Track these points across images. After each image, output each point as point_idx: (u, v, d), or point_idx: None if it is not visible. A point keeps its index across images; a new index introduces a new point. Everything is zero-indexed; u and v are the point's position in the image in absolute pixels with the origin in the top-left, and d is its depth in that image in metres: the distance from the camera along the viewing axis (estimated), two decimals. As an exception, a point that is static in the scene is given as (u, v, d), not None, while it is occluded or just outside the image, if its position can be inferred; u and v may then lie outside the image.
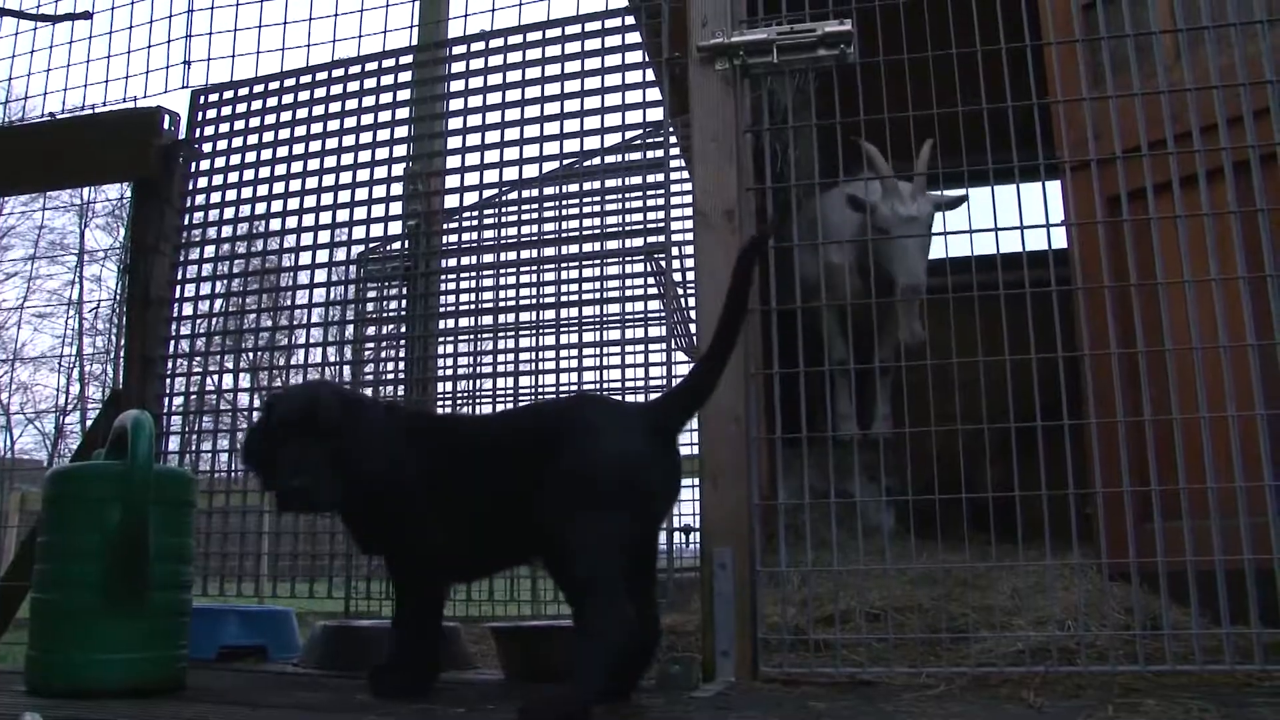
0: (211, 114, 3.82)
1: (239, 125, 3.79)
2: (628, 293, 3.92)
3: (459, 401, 4.16)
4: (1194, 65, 2.33)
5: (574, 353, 3.64)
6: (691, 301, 3.30)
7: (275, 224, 3.73)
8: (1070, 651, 2.09)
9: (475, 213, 3.81)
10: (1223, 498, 2.07)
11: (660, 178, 3.30)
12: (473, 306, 4.00)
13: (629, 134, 3.41)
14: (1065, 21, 2.69)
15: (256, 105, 3.77)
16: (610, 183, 3.43)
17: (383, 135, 3.64)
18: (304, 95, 3.73)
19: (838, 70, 2.41)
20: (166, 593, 2.18)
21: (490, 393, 3.87)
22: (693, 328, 3.28)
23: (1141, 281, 2.30)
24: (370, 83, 3.68)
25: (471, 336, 4.01)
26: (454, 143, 3.63)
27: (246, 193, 3.74)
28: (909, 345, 3.61)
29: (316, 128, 3.70)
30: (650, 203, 3.39)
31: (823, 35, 2.31)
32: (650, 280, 3.79)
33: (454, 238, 3.93)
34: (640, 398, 3.61)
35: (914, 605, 2.42)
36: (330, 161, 3.66)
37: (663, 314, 3.55)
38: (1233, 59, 2.25)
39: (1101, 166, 2.44)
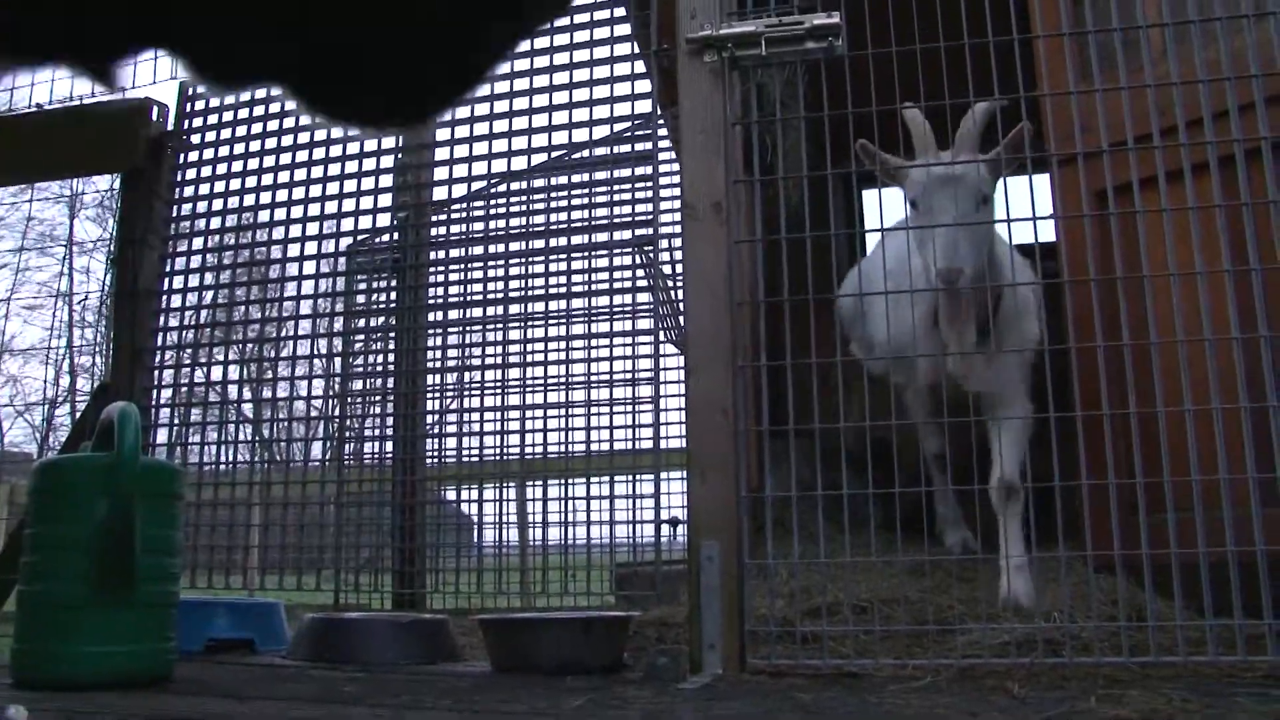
0: (200, 105, 3.81)
1: (228, 116, 3.78)
2: (616, 285, 3.93)
3: (448, 394, 4.16)
4: (1180, 60, 2.33)
5: (562, 345, 3.65)
6: (680, 294, 3.30)
7: (264, 215, 3.72)
8: (1056, 643, 2.10)
9: (465, 205, 3.81)
10: (1207, 490, 2.08)
11: (649, 170, 3.30)
12: (462, 298, 4.01)
13: (618, 126, 3.41)
14: (1053, 15, 2.70)
15: (245, 96, 3.76)
16: (599, 175, 3.43)
17: (372, 127, 3.64)
18: (293, 87, 3.72)
19: (826, 63, 2.41)
20: (154, 585, 2.18)
21: (479, 384, 3.88)
22: (682, 320, 3.28)
23: (1127, 274, 2.31)
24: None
25: (461, 329, 4.00)
26: (443, 134, 3.63)
27: (235, 184, 3.74)
28: (953, 372, 2.64)
29: (306, 119, 3.69)
30: (639, 195, 3.40)
31: (811, 28, 2.32)
32: (639, 272, 3.79)
33: (444, 230, 3.93)
34: (629, 392, 3.62)
35: (901, 598, 2.43)
36: (320, 153, 3.65)
37: (651, 306, 3.55)
38: (1218, 54, 2.26)
39: (1088, 161, 2.44)
